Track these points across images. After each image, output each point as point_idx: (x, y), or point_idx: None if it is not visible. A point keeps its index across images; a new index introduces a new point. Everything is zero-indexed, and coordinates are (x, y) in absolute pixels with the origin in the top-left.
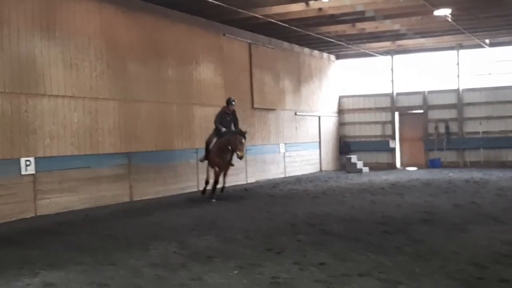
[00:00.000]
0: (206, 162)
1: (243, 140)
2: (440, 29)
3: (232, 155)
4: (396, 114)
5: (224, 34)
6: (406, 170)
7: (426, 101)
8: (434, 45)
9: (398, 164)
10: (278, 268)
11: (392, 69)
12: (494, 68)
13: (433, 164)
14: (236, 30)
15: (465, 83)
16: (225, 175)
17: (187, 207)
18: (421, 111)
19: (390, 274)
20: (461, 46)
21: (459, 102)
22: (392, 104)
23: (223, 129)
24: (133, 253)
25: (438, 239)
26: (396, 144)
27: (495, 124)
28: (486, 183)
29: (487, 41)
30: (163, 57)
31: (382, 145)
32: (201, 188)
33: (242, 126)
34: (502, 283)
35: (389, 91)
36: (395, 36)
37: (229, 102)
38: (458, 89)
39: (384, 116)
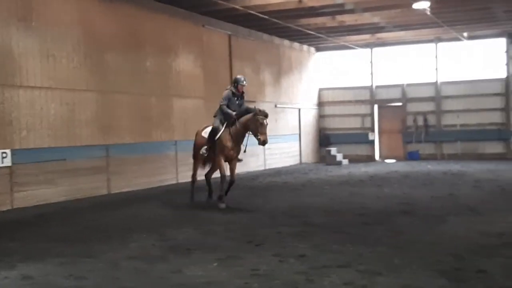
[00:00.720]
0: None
1: (265, 121)
2: (419, 22)
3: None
4: (375, 106)
5: (203, 25)
6: (385, 162)
7: (405, 94)
8: (413, 38)
9: (377, 157)
10: (258, 260)
11: (371, 62)
12: (472, 61)
13: (411, 156)
14: (216, 21)
15: (444, 76)
16: (233, 172)
17: (167, 199)
18: (400, 103)
19: (369, 265)
20: (439, 39)
21: (437, 95)
22: (372, 96)
23: (233, 113)
24: (111, 246)
25: (417, 230)
26: (375, 137)
27: (472, 117)
28: (464, 175)
29: (465, 34)
30: (142, 48)
31: (361, 137)
32: (190, 187)
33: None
34: (480, 274)
35: (369, 84)
36: (374, 29)
37: (238, 81)
38: (436, 82)
39: (363, 109)
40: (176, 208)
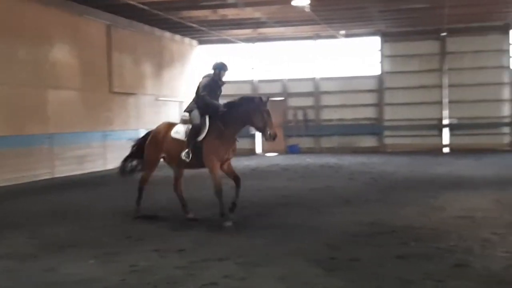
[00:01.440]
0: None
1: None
2: (299, 19)
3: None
4: None
5: (81, 15)
6: (266, 155)
7: (286, 89)
8: (293, 35)
9: (258, 150)
10: (137, 256)
11: (253, 57)
12: (348, 58)
13: (292, 150)
14: (94, 11)
15: (322, 72)
16: (238, 181)
17: (41, 195)
18: (282, 98)
19: (248, 258)
20: (318, 36)
21: (316, 90)
22: (253, 90)
23: (221, 105)
24: None
25: (295, 222)
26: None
27: (348, 112)
28: (340, 168)
29: (342, 32)
30: (14, 36)
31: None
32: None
33: (99, 111)
34: (353, 262)
35: (251, 78)
36: (256, 24)
37: (221, 67)
38: (315, 78)
39: None
40: (51, 204)
